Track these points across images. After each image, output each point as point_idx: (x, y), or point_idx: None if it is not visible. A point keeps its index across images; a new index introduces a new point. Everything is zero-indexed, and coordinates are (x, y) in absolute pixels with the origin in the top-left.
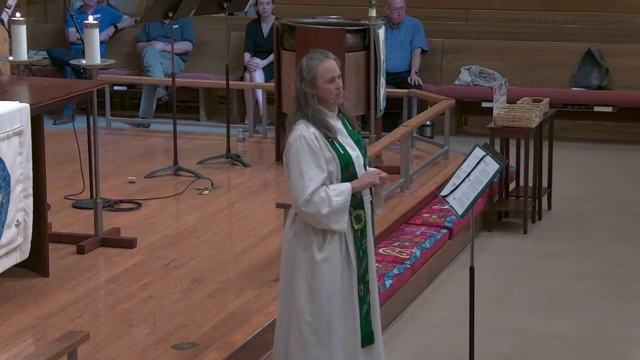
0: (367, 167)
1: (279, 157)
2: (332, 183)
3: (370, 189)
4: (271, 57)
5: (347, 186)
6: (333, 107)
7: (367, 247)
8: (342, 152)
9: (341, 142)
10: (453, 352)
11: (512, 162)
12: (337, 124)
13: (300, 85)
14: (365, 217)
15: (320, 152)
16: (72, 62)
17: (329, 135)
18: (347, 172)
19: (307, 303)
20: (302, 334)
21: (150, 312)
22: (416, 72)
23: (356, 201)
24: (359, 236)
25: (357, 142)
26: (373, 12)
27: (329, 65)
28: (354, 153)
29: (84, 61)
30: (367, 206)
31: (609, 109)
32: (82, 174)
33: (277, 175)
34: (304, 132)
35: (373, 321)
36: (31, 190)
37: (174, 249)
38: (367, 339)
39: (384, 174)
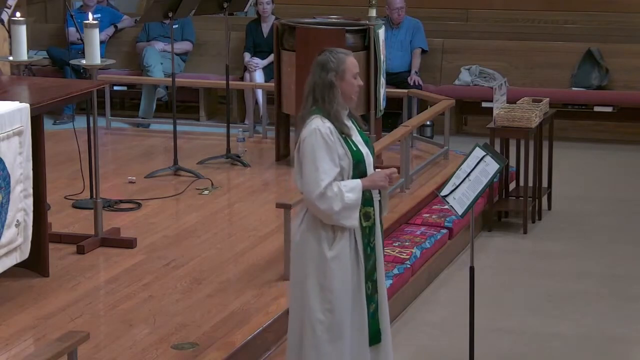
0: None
1: (279, 157)
2: (342, 179)
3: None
4: (271, 57)
5: (358, 183)
6: (346, 107)
7: (375, 245)
8: (354, 149)
9: (354, 139)
10: (453, 352)
11: (512, 162)
12: (349, 123)
13: (326, 77)
14: (374, 215)
15: (335, 146)
16: (72, 62)
17: (344, 130)
18: (358, 169)
19: (318, 301)
20: (314, 332)
21: (150, 312)
22: (416, 72)
23: (365, 199)
24: (367, 234)
25: (366, 142)
26: (373, 12)
27: (354, 61)
28: (365, 151)
29: (84, 61)
30: (376, 204)
31: (609, 109)
32: (82, 174)
33: (277, 175)
34: (319, 126)
35: (381, 320)
36: (31, 190)
37: (174, 249)
38: (375, 338)
39: (394, 174)
